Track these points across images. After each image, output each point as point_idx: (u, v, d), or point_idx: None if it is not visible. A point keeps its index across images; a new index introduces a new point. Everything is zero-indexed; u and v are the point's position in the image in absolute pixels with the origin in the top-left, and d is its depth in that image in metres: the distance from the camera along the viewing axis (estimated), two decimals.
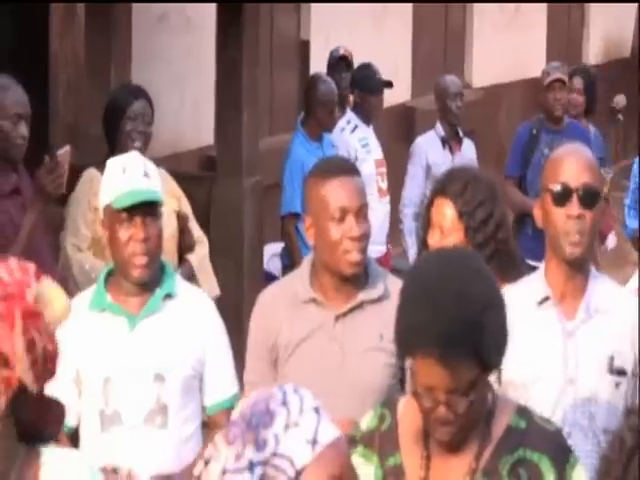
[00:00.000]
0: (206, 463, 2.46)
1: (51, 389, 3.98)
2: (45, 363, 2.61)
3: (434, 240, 4.73)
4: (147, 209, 4.56)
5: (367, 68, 10.01)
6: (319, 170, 4.70)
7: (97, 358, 4.61)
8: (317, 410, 2.49)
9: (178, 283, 4.81)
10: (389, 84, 10.25)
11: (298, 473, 2.41)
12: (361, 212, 4.42)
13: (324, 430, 2.46)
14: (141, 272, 4.56)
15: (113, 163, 4.82)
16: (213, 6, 9.14)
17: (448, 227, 4.77)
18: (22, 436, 2.71)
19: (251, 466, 2.40)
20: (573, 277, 4.25)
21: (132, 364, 4.58)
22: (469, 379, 3.08)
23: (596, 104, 11.39)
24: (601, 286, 4.30)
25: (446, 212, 4.79)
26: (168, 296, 4.66)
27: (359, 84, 9.87)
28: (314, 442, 2.43)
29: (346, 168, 4.68)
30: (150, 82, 8.76)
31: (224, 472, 2.39)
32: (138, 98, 7.21)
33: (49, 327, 2.51)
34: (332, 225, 4.39)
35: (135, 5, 9.50)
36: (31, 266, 2.55)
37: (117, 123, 7.00)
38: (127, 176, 4.62)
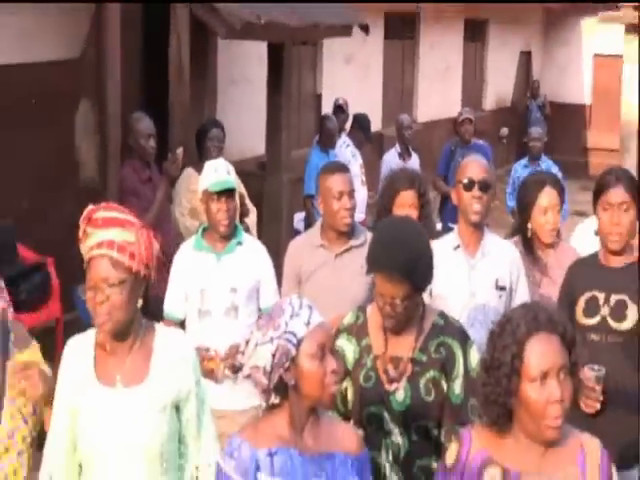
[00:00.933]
0: (246, 342, 2.78)
1: (170, 295, 4.85)
2: (159, 272, 3.21)
3: (401, 212, 4.80)
4: (228, 193, 4.74)
5: (366, 120, 10.10)
6: (326, 169, 4.98)
7: (197, 278, 4.79)
8: (310, 307, 2.78)
9: (244, 235, 4.95)
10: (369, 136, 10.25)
11: (299, 342, 2.70)
12: (351, 193, 4.73)
13: (314, 318, 2.74)
14: (224, 229, 4.75)
15: (209, 165, 4.97)
16: (265, 69, 9.31)
17: (410, 205, 5.00)
18: (145, 315, 3.11)
19: (271, 340, 2.69)
20: (475, 233, 4.48)
21: (218, 281, 4.76)
22: (406, 292, 3.31)
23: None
24: (491, 239, 4.54)
25: (410, 197, 5.01)
26: (239, 243, 4.85)
27: (360, 126, 9.96)
28: (308, 324, 2.71)
29: (341, 168, 4.99)
30: (227, 115, 9.44)
31: (256, 345, 2.71)
32: (216, 127, 7.49)
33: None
34: (334, 202, 4.68)
35: (220, 68, 9.77)
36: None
37: (203, 141, 7.26)
38: (217, 173, 4.79)
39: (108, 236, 2.86)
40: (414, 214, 4.87)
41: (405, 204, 4.89)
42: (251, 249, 4.91)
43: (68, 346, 3.00)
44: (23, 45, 7.44)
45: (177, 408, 2.98)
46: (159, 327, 3.06)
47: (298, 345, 2.69)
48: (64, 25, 7.91)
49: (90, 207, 2.94)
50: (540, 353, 2.51)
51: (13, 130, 6.80)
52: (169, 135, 8.00)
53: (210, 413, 3.16)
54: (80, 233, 2.89)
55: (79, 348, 2.96)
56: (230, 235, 4.82)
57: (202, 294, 4.77)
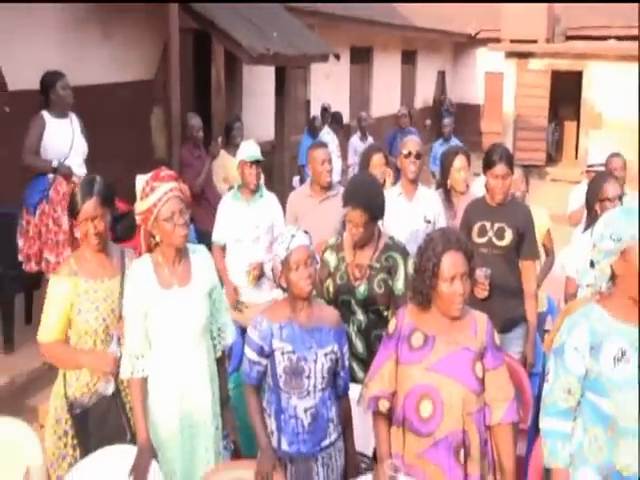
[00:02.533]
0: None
1: (217, 228, 4.70)
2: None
3: (375, 171, 4.61)
4: (257, 162, 4.56)
5: (339, 116, 9.85)
6: (313, 146, 4.78)
7: (234, 217, 4.64)
8: (293, 236, 2.71)
9: (265, 191, 4.75)
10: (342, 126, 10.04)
11: (282, 262, 2.71)
12: (329, 161, 4.55)
13: (294, 243, 2.68)
14: (253, 187, 4.58)
15: (245, 143, 4.81)
16: (273, 84, 9.09)
17: (381, 164, 4.77)
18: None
19: (270, 259, 2.89)
20: (411, 185, 4.36)
21: (247, 220, 4.60)
22: (366, 220, 3.30)
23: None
24: (422, 189, 4.43)
25: (379, 160, 4.75)
26: (261, 196, 4.67)
27: (336, 120, 9.73)
28: (287, 248, 2.69)
29: (323, 145, 4.80)
30: (249, 115, 9.40)
31: (269, 261, 3.03)
32: (238, 121, 7.28)
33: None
34: (318, 166, 4.50)
35: (244, 84, 9.64)
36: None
37: (230, 132, 7.00)
38: (251, 149, 4.62)
39: (170, 186, 2.79)
40: (384, 170, 4.76)
41: (377, 164, 4.74)
42: (269, 200, 4.76)
43: (133, 267, 2.88)
44: (114, 69, 7.39)
45: (210, 295, 2.93)
46: (190, 247, 2.94)
47: (283, 262, 2.69)
48: (142, 54, 7.87)
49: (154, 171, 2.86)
50: (450, 264, 2.52)
51: (111, 127, 6.71)
52: (212, 128, 7.99)
53: (224, 298, 3.13)
54: (147, 188, 2.77)
55: (141, 269, 2.84)
56: (256, 190, 4.67)
57: (237, 228, 4.65)
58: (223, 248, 4.75)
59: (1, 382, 4.55)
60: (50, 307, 2.84)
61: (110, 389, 2.87)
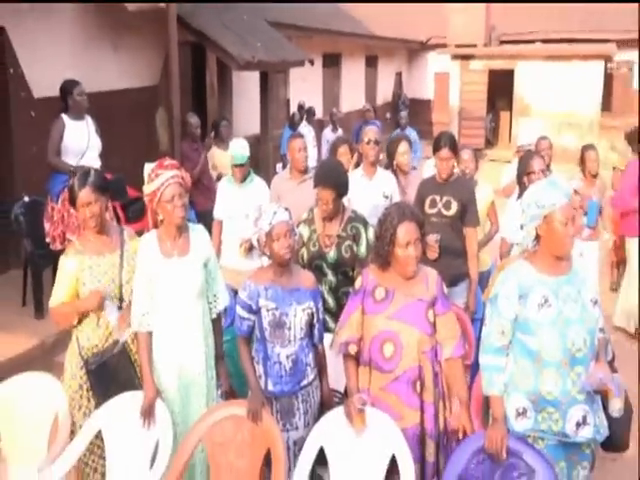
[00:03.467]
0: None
1: (217, 207, 4.49)
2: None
3: (342, 158, 4.50)
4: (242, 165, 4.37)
5: (313, 110, 9.70)
6: (291, 137, 4.60)
7: (229, 199, 4.46)
8: (275, 212, 2.67)
9: (254, 177, 4.56)
10: (314, 115, 9.82)
11: (267, 233, 2.66)
12: (305, 149, 4.44)
13: (276, 218, 2.64)
14: (240, 181, 4.43)
15: (234, 144, 4.53)
16: (258, 86, 8.90)
17: (346, 153, 4.74)
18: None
19: (255, 232, 2.73)
20: (372, 167, 4.25)
21: (239, 200, 4.43)
22: (333, 197, 3.27)
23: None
24: (380, 169, 4.32)
25: (344, 150, 4.73)
26: (251, 180, 4.50)
27: (311, 114, 9.61)
28: (270, 223, 2.65)
29: (299, 135, 4.64)
30: (238, 113, 9.33)
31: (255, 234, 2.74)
32: (226, 120, 7.00)
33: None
34: (295, 154, 4.38)
35: (234, 87, 9.36)
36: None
37: (217, 128, 6.73)
38: (237, 150, 4.39)
39: (172, 173, 2.74)
40: (348, 158, 4.68)
41: (342, 153, 4.64)
42: (258, 184, 4.58)
43: (142, 240, 2.85)
44: (123, 77, 7.23)
45: (205, 265, 2.87)
46: (190, 226, 2.89)
47: (267, 234, 2.66)
48: (146, 63, 7.70)
49: (158, 161, 2.82)
50: (405, 232, 2.51)
51: (121, 127, 6.56)
52: (207, 125, 7.70)
53: (219, 268, 3.03)
54: (153, 174, 2.74)
55: (148, 241, 2.81)
56: (246, 177, 4.48)
57: (231, 207, 4.50)
58: (220, 224, 4.61)
59: (33, 343, 4.53)
60: (59, 281, 2.82)
61: (125, 335, 2.83)
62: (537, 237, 2.39)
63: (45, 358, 4.38)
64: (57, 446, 2.59)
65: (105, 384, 2.78)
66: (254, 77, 9.14)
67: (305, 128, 8.96)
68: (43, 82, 5.96)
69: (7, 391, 2.82)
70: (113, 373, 2.78)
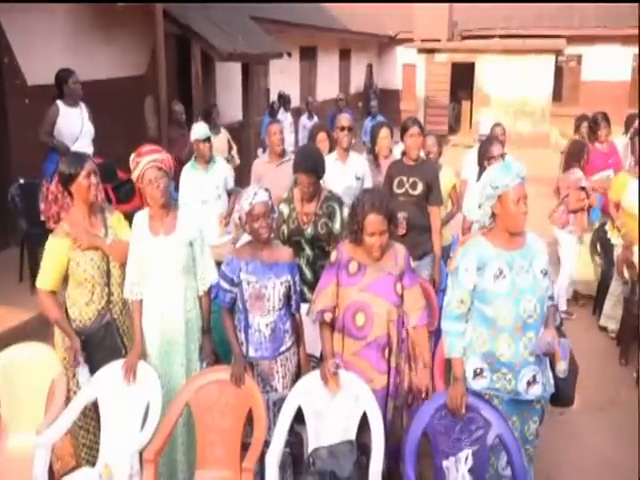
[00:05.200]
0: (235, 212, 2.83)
1: (182, 192, 4.26)
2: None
3: (320, 145, 4.33)
4: (207, 139, 4.31)
5: (289, 98, 9.31)
6: (269, 123, 4.60)
7: (196, 186, 4.33)
8: (255, 193, 2.60)
9: (217, 159, 4.47)
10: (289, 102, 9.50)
11: (247, 212, 2.60)
12: (281, 133, 4.41)
13: (256, 199, 2.58)
14: (207, 158, 4.34)
15: (195, 127, 4.45)
16: (240, 77, 8.91)
17: (324, 140, 4.56)
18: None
19: (237, 211, 2.71)
20: (345, 152, 4.16)
21: (208, 182, 4.36)
22: (311, 181, 3.20)
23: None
24: (352, 154, 4.19)
25: (322, 136, 4.56)
26: (214, 162, 4.40)
27: (287, 101, 9.23)
28: (250, 203, 2.59)
29: (276, 121, 4.66)
30: (222, 101, 8.96)
31: (237, 212, 2.68)
32: (215, 106, 6.88)
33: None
34: (272, 137, 4.36)
35: (217, 77, 9.23)
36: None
37: (209, 116, 6.43)
38: (199, 130, 4.34)
39: (149, 158, 2.68)
40: (325, 144, 4.53)
41: (320, 139, 4.52)
42: (220, 164, 4.47)
43: (135, 218, 2.81)
44: (112, 67, 7.11)
45: (190, 244, 2.80)
46: (180, 207, 2.87)
47: (247, 213, 2.61)
48: (135, 54, 7.56)
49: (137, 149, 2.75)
50: (371, 223, 2.49)
51: (111, 113, 6.40)
52: (192, 112, 7.58)
53: (208, 247, 2.92)
54: (134, 162, 2.70)
55: (140, 220, 2.78)
56: (209, 160, 4.37)
57: (201, 192, 4.35)
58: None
59: (30, 315, 4.48)
60: (46, 261, 2.74)
61: (83, 378, 2.72)
62: (493, 215, 2.39)
63: (41, 330, 4.32)
64: (53, 411, 2.56)
65: (93, 354, 2.74)
66: (236, 68, 8.99)
67: (283, 115, 8.82)
68: (36, 70, 5.83)
69: (6, 360, 2.78)
70: (100, 344, 2.74)
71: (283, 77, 11.68)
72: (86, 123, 4.93)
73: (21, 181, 5.05)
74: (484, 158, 3.89)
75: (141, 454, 2.42)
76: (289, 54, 9.79)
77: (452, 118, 15.78)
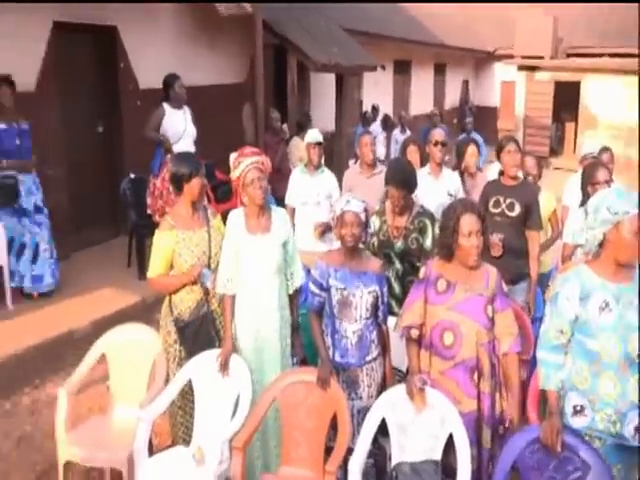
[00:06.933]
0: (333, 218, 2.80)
1: (289, 193, 4.52)
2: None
3: (410, 158, 4.34)
4: (319, 144, 4.40)
5: (390, 118, 9.18)
6: (361, 134, 4.68)
7: (302, 186, 4.47)
8: (348, 201, 2.66)
9: (325, 168, 4.53)
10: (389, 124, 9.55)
11: (337, 217, 2.67)
12: (373, 144, 4.41)
13: (348, 207, 2.65)
14: (316, 163, 4.43)
15: (309, 131, 4.60)
16: (333, 87, 8.88)
17: (415, 155, 4.61)
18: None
19: (332, 217, 2.87)
20: (438, 166, 4.19)
21: (311, 188, 4.45)
22: (403, 195, 3.26)
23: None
24: (446, 170, 4.25)
25: (413, 149, 4.68)
26: (322, 171, 4.47)
27: (386, 121, 9.12)
28: (342, 209, 2.66)
29: (368, 132, 4.78)
30: (316, 111, 9.14)
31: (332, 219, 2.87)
32: (309, 119, 7.19)
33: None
34: (364, 148, 4.35)
35: (312, 87, 9.54)
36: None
37: (304, 127, 6.65)
38: (313, 134, 4.47)
39: (252, 159, 2.79)
40: (416, 156, 4.54)
41: (412, 152, 4.47)
42: (327, 175, 4.55)
43: (231, 215, 2.91)
44: (216, 74, 7.51)
45: (284, 245, 2.91)
46: (273, 208, 2.95)
47: (338, 218, 2.69)
48: (236, 63, 7.90)
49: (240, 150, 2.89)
50: (467, 222, 2.48)
51: (212, 117, 6.71)
52: (287, 120, 7.84)
53: (297, 250, 3.04)
54: (236, 162, 2.80)
55: (236, 217, 2.88)
56: (318, 167, 4.49)
57: (303, 194, 4.47)
58: (293, 210, 4.59)
59: (135, 299, 4.81)
60: (155, 253, 2.90)
61: (208, 280, 2.88)
62: (601, 242, 2.28)
63: (146, 313, 4.57)
64: (154, 388, 2.72)
65: (190, 341, 2.88)
66: (330, 79, 9.12)
67: (377, 128, 8.97)
68: (147, 75, 6.29)
69: (115, 338, 2.97)
70: (196, 333, 2.87)
71: (376, 90, 11.77)
72: (189, 125, 5.22)
73: (132, 176, 5.45)
74: (588, 183, 3.75)
75: (231, 442, 2.52)
76: (383, 67, 9.95)
77: (554, 140, 15.14)
